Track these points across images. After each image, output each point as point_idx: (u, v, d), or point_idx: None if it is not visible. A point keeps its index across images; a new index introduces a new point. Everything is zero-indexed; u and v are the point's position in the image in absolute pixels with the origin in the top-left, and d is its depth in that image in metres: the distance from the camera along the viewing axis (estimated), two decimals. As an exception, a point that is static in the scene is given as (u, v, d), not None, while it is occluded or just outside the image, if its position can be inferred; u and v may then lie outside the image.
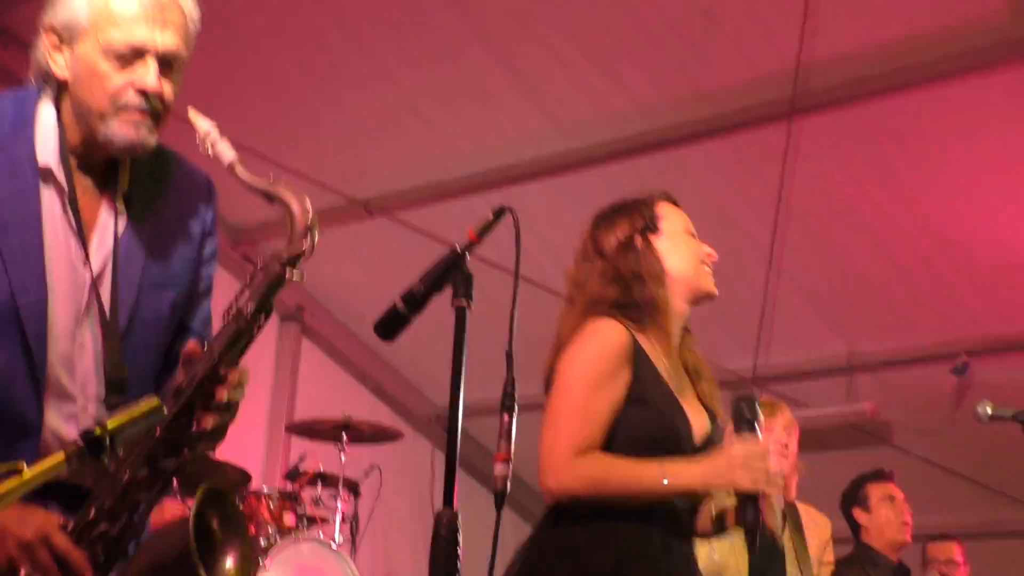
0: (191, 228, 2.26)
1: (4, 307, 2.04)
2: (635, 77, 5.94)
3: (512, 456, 2.09)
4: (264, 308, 2.07)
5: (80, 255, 2.12)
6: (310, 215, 2.06)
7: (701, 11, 5.62)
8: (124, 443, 1.75)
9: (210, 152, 2.09)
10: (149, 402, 1.81)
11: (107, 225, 2.15)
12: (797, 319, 6.90)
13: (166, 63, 2.11)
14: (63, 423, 2.10)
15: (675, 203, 2.94)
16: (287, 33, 6.06)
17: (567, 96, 6.09)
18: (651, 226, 2.84)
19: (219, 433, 2.08)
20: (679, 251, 2.83)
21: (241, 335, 2.06)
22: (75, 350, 2.11)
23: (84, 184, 2.15)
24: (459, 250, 2.25)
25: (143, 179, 2.21)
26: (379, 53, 6.07)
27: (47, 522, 1.96)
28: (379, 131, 6.54)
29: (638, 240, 2.82)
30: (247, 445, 7.30)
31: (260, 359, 7.74)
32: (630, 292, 2.76)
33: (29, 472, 1.63)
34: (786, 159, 5.91)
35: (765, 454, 2.60)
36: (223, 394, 2.03)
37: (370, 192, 7.01)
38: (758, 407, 2.67)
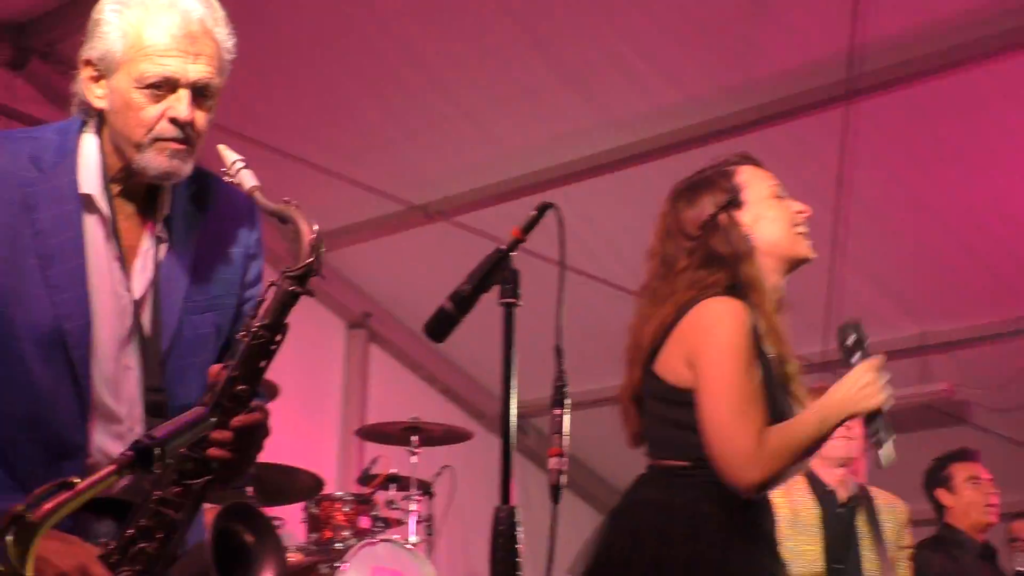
0: (233, 252, 2.30)
1: (49, 331, 2.12)
2: (686, 69, 5.93)
3: (566, 450, 2.09)
4: (277, 326, 2.08)
5: (122, 280, 2.18)
6: (316, 234, 2.08)
7: (750, -1, 5.61)
8: (173, 453, 1.80)
9: (234, 180, 2.14)
10: (196, 412, 1.86)
11: (149, 250, 2.22)
12: (865, 302, 6.82)
13: (199, 92, 2.16)
14: (110, 443, 2.16)
15: (757, 164, 2.83)
16: (340, 47, 6.14)
17: (618, 92, 6.09)
18: (734, 200, 2.74)
19: (237, 463, 2.11)
20: (767, 220, 2.73)
21: (256, 353, 2.08)
22: (120, 372, 2.18)
23: (126, 210, 2.22)
24: (504, 248, 2.26)
25: (185, 203, 2.27)
26: (430, 61, 6.13)
27: (85, 553, 2.02)
28: (433, 137, 6.60)
29: (722, 218, 2.73)
30: (320, 451, 7.41)
31: (329, 366, 7.85)
32: (735, 273, 2.69)
33: (82, 484, 1.68)
34: (844, 143, 5.85)
35: (880, 370, 2.61)
36: (239, 419, 2.07)
37: (428, 197, 7.07)
38: (863, 328, 2.69)
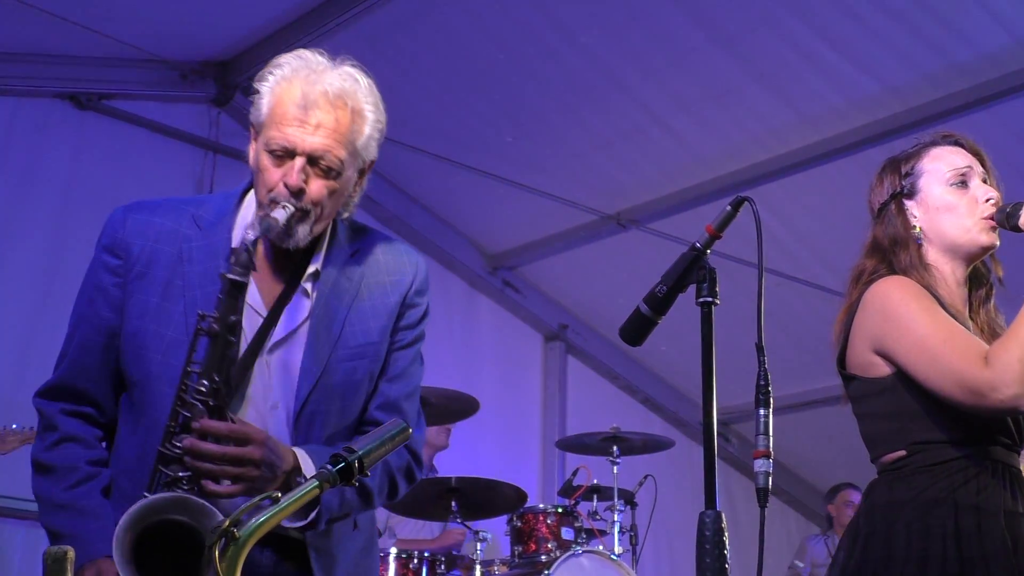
0: (390, 302, 2.40)
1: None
2: (883, 59, 5.71)
3: (771, 451, 2.00)
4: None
5: (258, 330, 2.28)
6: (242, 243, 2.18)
7: (947, -20, 5.36)
8: (372, 465, 1.81)
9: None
10: (395, 424, 1.87)
11: (296, 303, 2.33)
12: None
13: (316, 162, 2.24)
14: None
15: (959, 143, 2.72)
16: (526, 60, 6.16)
17: (813, 86, 5.92)
18: (907, 190, 2.68)
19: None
20: (938, 211, 2.65)
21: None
22: (267, 412, 2.29)
23: (279, 263, 2.33)
24: (699, 246, 2.19)
25: (345, 257, 2.38)
26: (614, 66, 6.08)
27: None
28: (623, 143, 6.56)
29: (891, 206, 2.69)
30: (521, 464, 7.45)
31: (528, 380, 7.89)
32: (887, 260, 2.65)
33: (285, 499, 1.71)
34: (1056, 125, 5.54)
35: None
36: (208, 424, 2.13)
37: (620, 205, 7.04)
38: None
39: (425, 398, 5.42)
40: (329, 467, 1.75)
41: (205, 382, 2.12)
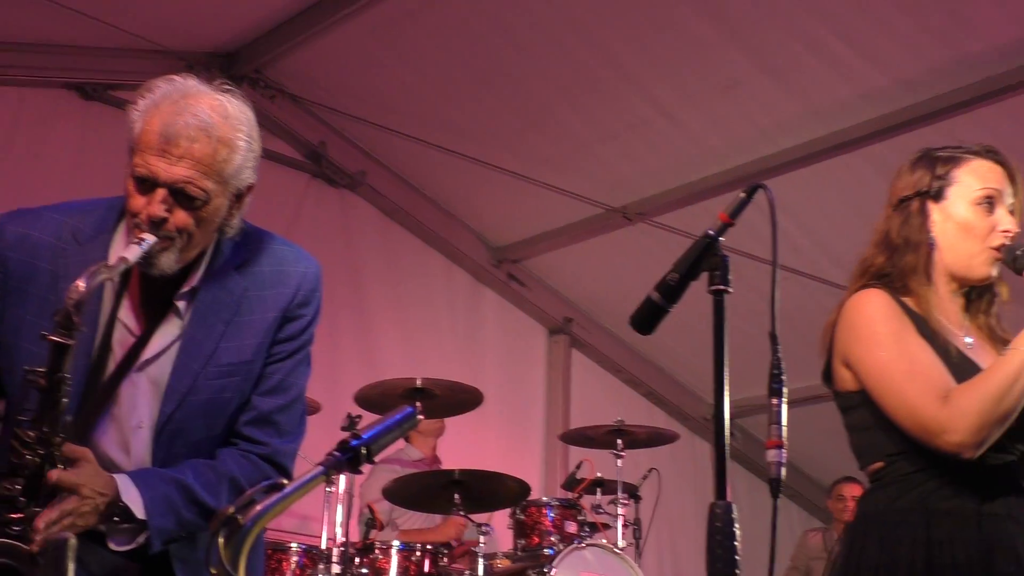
0: (269, 316, 2.37)
1: None
2: (892, 51, 5.68)
3: (784, 441, 1.97)
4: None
5: (130, 348, 2.28)
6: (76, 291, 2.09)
7: (956, -28, 5.32)
8: (378, 450, 1.80)
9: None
10: (401, 410, 1.85)
11: (170, 322, 2.32)
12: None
13: (180, 193, 2.21)
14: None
15: (999, 162, 2.62)
16: (527, 51, 6.14)
17: (821, 79, 5.89)
18: (934, 192, 2.61)
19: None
20: (953, 225, 2.58)
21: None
22: (129, 433, 2.30)
23: (155, 282, 2.29)
24: (712, 234, 2.16)
25: (228, 272, 2.36)
26: (625, 62, 6.06)
27: None
28: (629, 136, 6.54)
29: (914, 204, 2.62)
30: (525, 457, 7.44)
31: (532, 373, 7.88)
32: (893, 259, 2.62)
33: (291, 486, 1.69)
34: (1067, 120, 5.50)
35: None
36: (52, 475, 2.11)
37: (627, 199, 7.02)
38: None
39: (429, 390, 5.41)
40: (337, 454, 1.74)
41: (32, 433, 2.10)
